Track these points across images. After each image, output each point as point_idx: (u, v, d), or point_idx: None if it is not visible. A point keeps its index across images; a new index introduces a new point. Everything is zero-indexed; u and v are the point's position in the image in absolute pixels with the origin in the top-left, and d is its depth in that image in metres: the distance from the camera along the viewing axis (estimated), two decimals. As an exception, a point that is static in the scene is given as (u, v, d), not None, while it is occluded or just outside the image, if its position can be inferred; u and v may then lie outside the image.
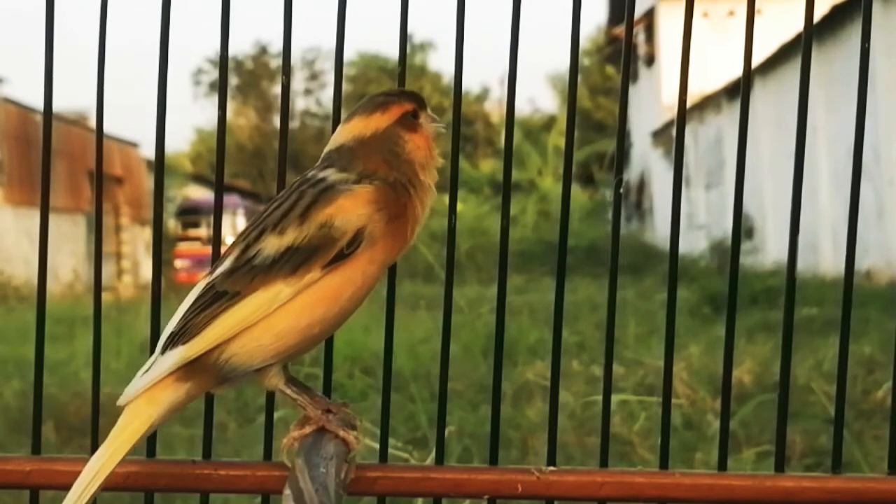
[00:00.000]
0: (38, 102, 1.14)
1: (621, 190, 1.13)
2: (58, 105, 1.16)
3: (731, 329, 1.11)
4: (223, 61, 1.12)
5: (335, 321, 0.97)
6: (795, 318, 1.11)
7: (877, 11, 8.44)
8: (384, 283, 1.11)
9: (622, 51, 1.11)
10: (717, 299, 8.58)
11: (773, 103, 12.62)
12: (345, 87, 1.14)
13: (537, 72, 32.42)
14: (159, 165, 1.13)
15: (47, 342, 1.14)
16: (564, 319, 1.12)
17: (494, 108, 33.51)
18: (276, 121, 1.33)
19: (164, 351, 0.95)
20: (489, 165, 27.73)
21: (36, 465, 1.08)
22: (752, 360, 5.91)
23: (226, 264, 0.97)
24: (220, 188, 1.15)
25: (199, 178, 26.18)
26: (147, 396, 0.95)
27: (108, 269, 18.22)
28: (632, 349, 6.37)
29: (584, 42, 18.65)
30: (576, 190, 22.87)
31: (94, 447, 1.10)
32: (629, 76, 1.13)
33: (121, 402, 0.95)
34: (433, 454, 1.17)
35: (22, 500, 1.15)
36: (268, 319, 0.94)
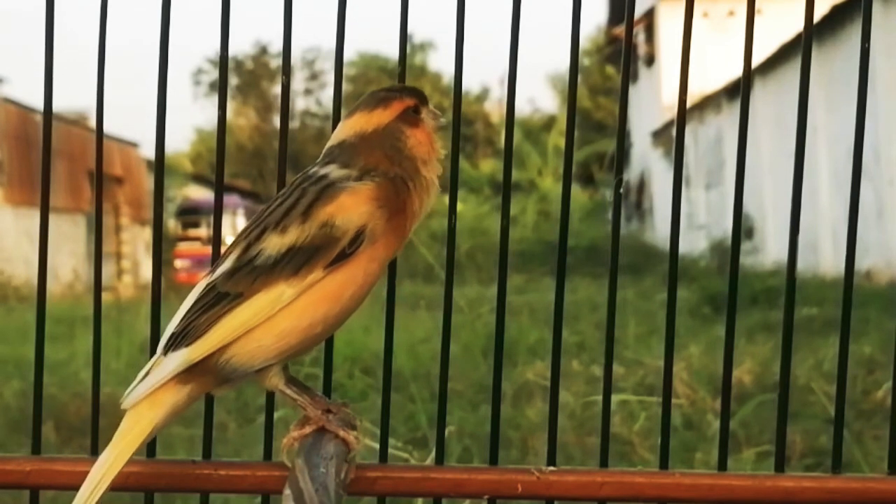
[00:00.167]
0: (38, 102, 1.14)
1: (621, 190, 1.13)
2: (58, 105, 1.16)
3: (731, 329, 1.11)
4: (223, 61, 1.12)
5: (337, 320, 0.97)
6: (795, 318, 1.11)
7: (877, 11, 8.44)
8: (384, 283, 1.11)
9: (622, 51, 1.11)
10: (717, 299, 8.58)
11: (773, 103, 12.62)
12: (345, 87, 1.14)
13: (537, 72, 32.44)
14: (159, 165, 1.13)
15: (47, 342, 1.14)
16: (564, 319, 1.12)
17: (494, 108, 33.51)
18: (276, 121, 1.33)
19: (166, 352, 0.95)
20: (489, 165, 27.73)
21: (36, 465, 1.08)
22: (752, 360, 5.91)
23: (227, 264, 0.96)
24: (220, 188, 1.15)
25: (199, 178, 26.18)
26: (149, 399, 0.95)
27: (108, 269, 18.22)
28: (632, 349, 6.37)
29: (584, 42, 18.65)
30: (576, 190, 22.86)
31: (94, 447, 1.11)
32: (629, 76, 1.13)
33: (124, 405, 0.95)
34: (433, 454, 1.17)
35: (22, 500, 1.15)
36: (270, 320, 0.93)
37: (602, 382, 1.13)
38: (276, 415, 1.14)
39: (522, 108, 32.51)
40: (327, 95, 33.86)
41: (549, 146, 24.38)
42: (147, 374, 0.96)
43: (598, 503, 1.09)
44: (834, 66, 10.27)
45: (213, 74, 34.17)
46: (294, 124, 33.06)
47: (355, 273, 0.95)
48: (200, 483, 1.07)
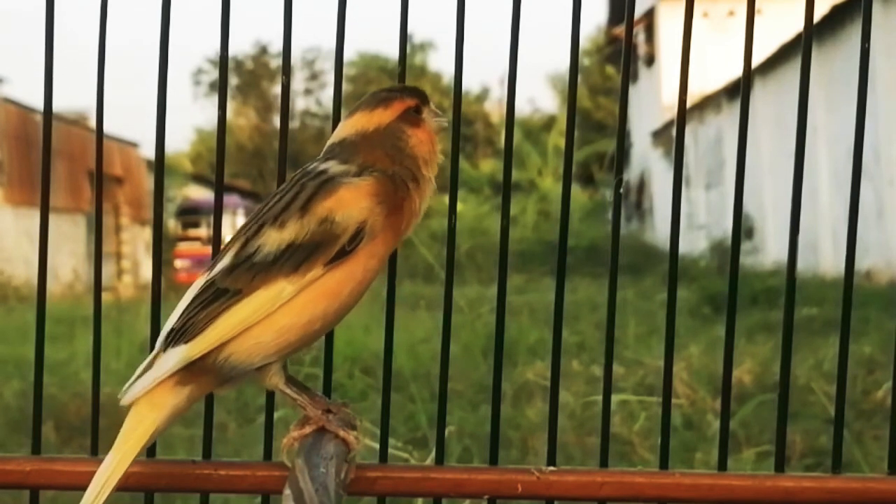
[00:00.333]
0: (38, 102, 1.14)
1: (621, 190, 1.13)
2: (58, 105, 1.16)
3: (731, 329, 1.11)
4: (223, 61, 1.12)
5: (336, 317, 0.97)
6: (795, 318, 1.11)
7: (877, 11, 8.43)
8: (384, 283, 1.11)
9: (622, 51, 1.11)
10: (717, 299, 8.58)
11: (773, 103, 12.62)
12: (345, 87, 1.14)
13: (537, 72, 32.42)
14: (159, 165, 1.13)
15: (47, 342, 1.14)
16: (564, 319, 1.12)
17: (494, 108, 33.50)
18: (276, 121, 1.33)
19: (165, 348, 0.95)
20: (489, 165, 27.73)
21: (36, 465, 1.08)
22: (752, 360, 5.91)
23: (225, 260, 0.96)
24: (220, 188, 1.15)
25: (199, 178, 26.18)
26: (149, 400, 0.94)
27: (108, 269, 18.22)
28: (632, 349, 6.37)
29: (584, 42, 18.64)
30: (576, 190, 22.86)
31: (94, 447, 1.11)
32: (629, 76, 1.13)
33: (123, 401, 0.95)
34: (433, 454, 1.17)
35: (22, 500, 1.15)
36: (269, 317, 0.93)
37: (602, 382, 1.13)
38: (276, 415, 1.14)
39: (522, 108, 32.54)
40: (327, 95, 33.87)
41: (549, 146, 24.37)
42: (146, 369, 0.95)
43: (598, 503, 1.09)
44: (834, 66, 10.27)
45: (213, 74, 34.17)
46: (294, 124, 33.05)
47: (354, 270, 0.95)
48: (200, 483, 1.07)
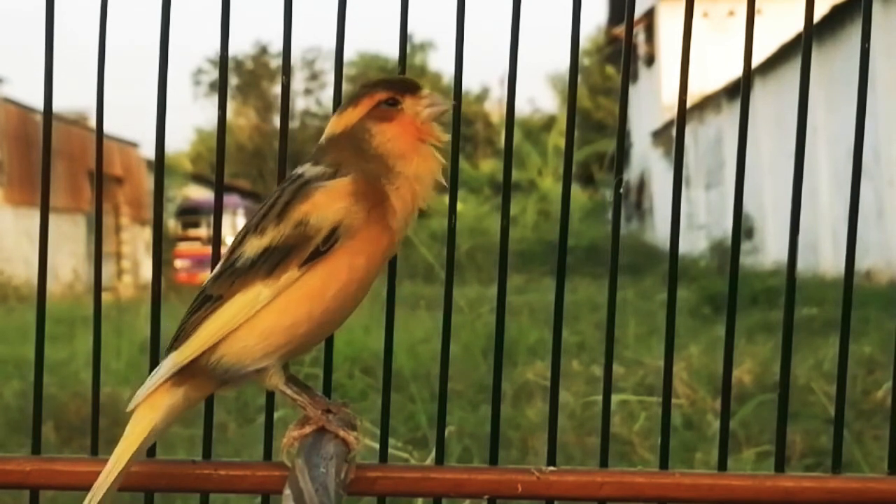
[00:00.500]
0: (38, 102, 1.14)
1: (621, 190, 1.13)
2: (58, 105, 1.16)
3: (731, 329, 1.11)
4: (223, 61, 1.12)
5: (324, 318, 0.95)
6: (795, 318, 1.11)
7: (877, 11, 8.43)
8: (384, 283, 1.11)
9: (622, 51, 1.11)
10: (717, 299, 8.58)
11: (773, 103, 12.62)
12: (345, 87, 1.14)
13: (537, 72, 32.42)
14: (159, 165, 1.13)
15: (47, 342, 1.14)
16: (564, 319, 1.12)
17: (494, 108, 33.50)
18: (276, 121, 1.33)
19: (167, 353, 0.97)
20: (489, 165, 27.73)
21: (36, 465, 1.08)
22: (752, 360, 5.91)
23: (217, 268, 0.98)
24: (220, 188, 1.15)
25: (199, 178, 26.18)
26: (147, 402, 0.96)
27: (108, 269, 18.22)
28: (632, 349, 6.37)
29: (584, 42, 18.64)
30: (576, 190, 22.87)
31: (94, 447, 1.11)
32: (629, 76, 1.13)
33: (129, 407, 0.97)
34: (433, 454, 1.17)
35: (22, 500, 1.15)
36: (251, 321, 0.94)
37: (602, 382, 1.13)
38: (276, 415, 1.14)
39: (522, 108, 32.55)
40: (327, 95, 33.85)
41: (549, 146, 24.38)
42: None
43: (598, 503, 1.09)
44: (834, 66, 10.26)
45: (213, 74, 34.16)
46: (294, 124, 33.04)
47: (336, 270, 0.94)
48: (200, 483, 1.07)
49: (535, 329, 7.28)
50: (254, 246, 0.95)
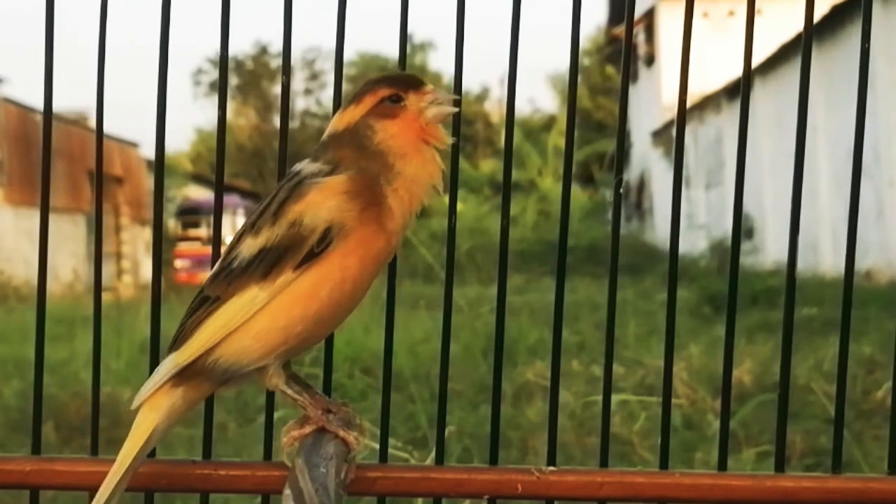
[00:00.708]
0: (38, 102, 1.14)
1: (621, 190, 1.13)
2: (58, 105, 1.16)
3: (731, 329, 1.11)
4: (223, 61, 1.12)
5: (320, 319, 0.95)
6: (795, 318, 1.11)
7: (877, 11, 8.43)
8: (384, 283, 1.11)
9: (622, 51, 1.11)
10: (717, 299, 8.58)
11: (773, 103, 12.62)
12: (345, 87, 1.14)
13: (537, 72, 32.40)
14: (159, 165, 1.13)
15: (47, 342, 1.14)
16: (564, 319, 1.12)
17: (494, 108, 33.50)
18: (276, 121, 1.33)
19: (168, 353, 0.97)
20: (489, 165, 27.73)
21: (36, 465, 1.08)
22: (752, 360, 5.91)
23: (215, 267, 0.98)
24: (220, 188, 1.15)
25: (199, 178, 26.18)
26: (148, 404, 0.97)
27: (108, 269, 18.22)
28: (632, 349, 6.37)
29: (584, 42, 18.66)
30: (576, 190, 22.86)
31: (94, 447, 1.11)
32: (629, 76, 1.13)
33: (132, 406, 0.97)
34: (433, 454, 1.17)
35: (22, 500, 1.15)
36: (247, 323, 0.94)
37: (602, 382, 1.13)
38: (276, 415, 1.14)
39: (522, 108, 32.54)
40: (327, 95, 33.85)
41: (549, 146, 24.38)
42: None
43: (598, 503, 1.09)
44: (834, 66, 10.26)
45: (213, 74, 34.15)
46: (294, 124, 33.04)
47: (330, 271, 0.93)
48: (200, 483, 1.07)
49: (535, 329, 7.28)
50: (250, 246, 0.94)
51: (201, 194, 23.55)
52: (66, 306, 10.66)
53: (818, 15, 5.80)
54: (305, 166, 0.98)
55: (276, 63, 31.17)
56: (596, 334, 7.01)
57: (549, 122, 28.64)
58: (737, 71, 1.19)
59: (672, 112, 14.43)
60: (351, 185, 0.94)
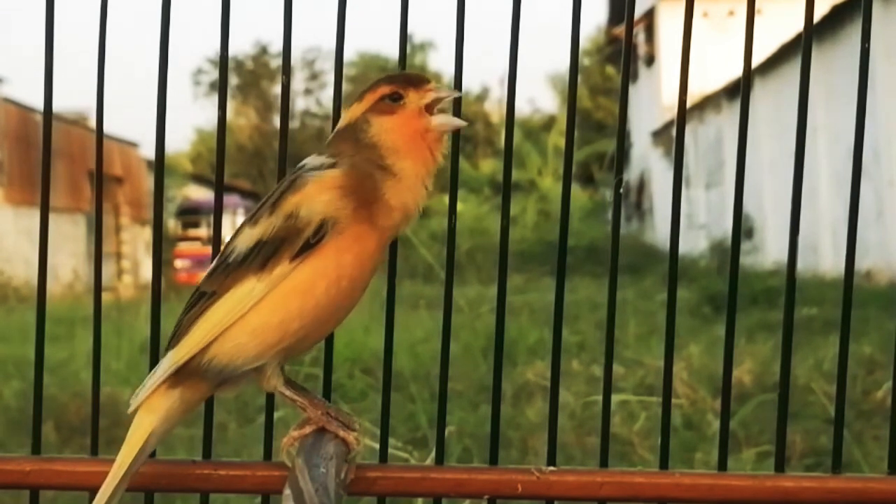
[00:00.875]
0: (38, 102, 1.13)
1: (621, 190, 1.13)
2: (58, 105, 1.16)
3: (731, 329, 1.11)
4: (223, 61, 1.12)
5: (317, 315, 0.94)
6: (795, 318, 1.11)
7: (877, 11, 8.43)
8: (384, 283, 1.11)
9: (622, 51, 1.11)
10: (717, 299, 8.59)
11: (773, 103, 12.62)
12: (345, 87, 1.14)
13: (537, 72, 32.44)
14: (159, 165, 1.13)
15: (47, 342, 1.14)
16: (564, 319, 1.12)
17: (494, 108, 33.52)
18: (276, 121, 1.33)
19: (165, 352, 0.97)
20: (489, 165, 27.73)
21: (36, 465, 1.08)
22: (752, 360, 5.91)
23: (213, 263, 0.98)
24: (220, 188, 1.15)
25: (199, 178, 26.18)
26: (146, 405, 0.96)
27: (108, 269, 18.22)
28: (632, 349, 6.37)
29: (584, 42, 18.64)
30: (576, 190, 22.87)
31: (94, 447, 1.11)
32: (629, 76, 1.13)
33: (131, 409, 0.96)
34: (433, 454, 1.17)
35: (22, 500, 1.15)
36: (242, 318, 0.93)
37: (602, 382, 1.12)
38: (276, 415, 1.14)
39: (522, 108, 32.56)
40: (327, 95, 33.85)
41: (549, 146, 24.38)
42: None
43: (598, 503, 1.09)
44: (834, 66, 10.26)
45: (213, 74, 34.16)
46: (294, 124, 33.04)
47: (325, 265, 0.92)
48: (200, 483, 1.07)
49: (535, 329, 7.28)
50: (247, 237, 0.94)
51: (201, 194, 23.55)
52: (66, 306, 10.67)
53: (818, 15, 5.80)
54: (311, 160, 0.98)
55: (276, 63, 31.17)
56: (596, 334, 7.02)
57: (549, 122, 28.65)
58: (737, 71, 1.19)
59: (672, 112, 14.43)
60: (345, 180, 0.94)
